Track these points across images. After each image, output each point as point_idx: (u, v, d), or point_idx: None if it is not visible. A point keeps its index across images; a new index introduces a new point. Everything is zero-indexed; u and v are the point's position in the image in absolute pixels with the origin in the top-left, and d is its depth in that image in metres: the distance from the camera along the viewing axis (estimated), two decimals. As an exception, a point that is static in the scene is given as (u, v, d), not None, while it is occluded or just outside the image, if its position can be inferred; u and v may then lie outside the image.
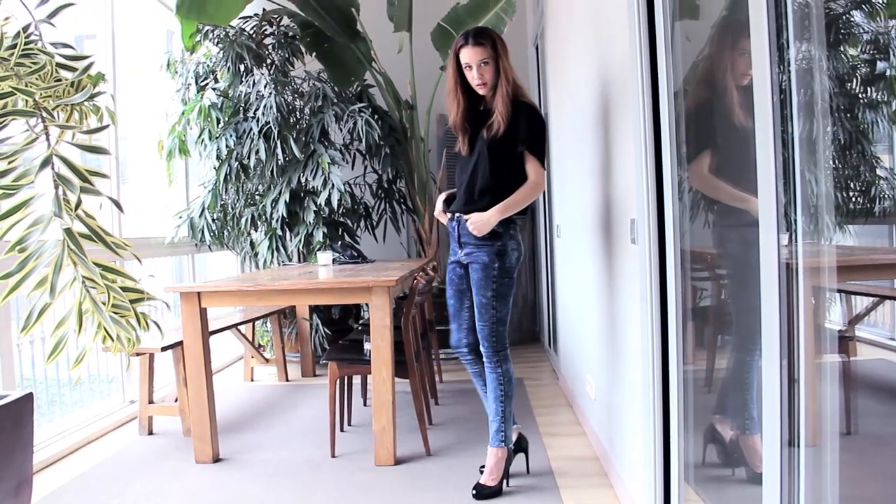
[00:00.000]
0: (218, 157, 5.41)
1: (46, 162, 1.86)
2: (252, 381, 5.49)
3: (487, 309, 2.99)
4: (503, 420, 3.04)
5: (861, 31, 1.74)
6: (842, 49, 1.73)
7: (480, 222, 2.92)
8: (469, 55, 2.89)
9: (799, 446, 1.58)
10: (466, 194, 3.02)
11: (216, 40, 5.50)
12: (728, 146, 2.19)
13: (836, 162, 1.71)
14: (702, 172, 2.26)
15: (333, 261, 4.78)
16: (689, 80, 2.38)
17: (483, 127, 2.97)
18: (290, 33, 5.71)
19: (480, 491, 2.96)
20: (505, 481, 3.03)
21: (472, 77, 2.92)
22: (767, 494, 1.63)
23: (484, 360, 3.07)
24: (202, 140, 5.38)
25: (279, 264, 5.29)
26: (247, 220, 5.51)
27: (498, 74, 2.92)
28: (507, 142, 2.93)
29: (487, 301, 2.98)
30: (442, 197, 3.20)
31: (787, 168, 1.57)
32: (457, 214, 3.04)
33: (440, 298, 5.62)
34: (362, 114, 5.28)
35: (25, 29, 1.97)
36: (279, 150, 5.16)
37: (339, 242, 5.22)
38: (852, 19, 1.76)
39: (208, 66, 5.60)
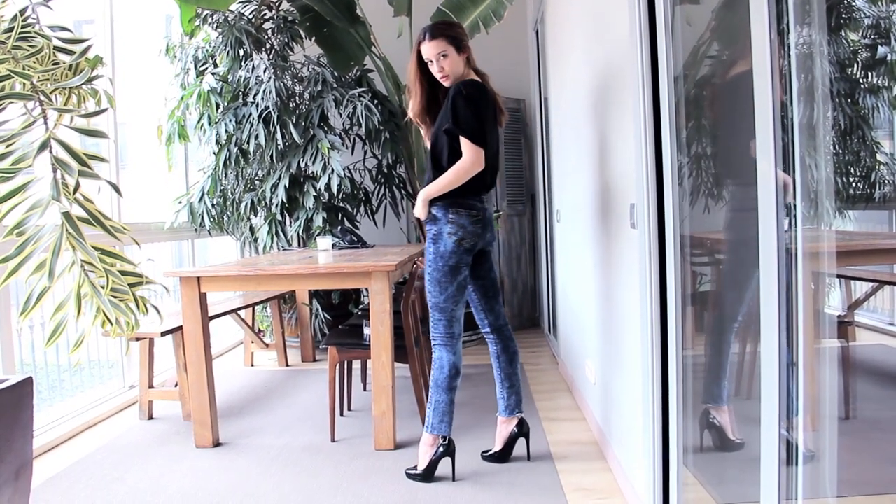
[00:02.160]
0: (217, 142, 5.39)
1: (44, 145, 1.86)
2: (252, 366, 5.51)
3: (426, 291, 3.07)
4: (431, 407, 3.06)
5: (862, 15, 1.73)
6: (843, 34, 1.72)
7: (417, 204, 3.03)
8: (427, 50, 2.96)
9: (797, 431, 1.58)
10: (428, 180, 3.08)
11: (215, 25, 5.47)
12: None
13: (837, 147, 1.71)
14: None
15: (333, 246, 4.78)
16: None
17: None
18: (290, 18, 5.68)
19: (408, 472, 3.08)
20: (435, 468, 3.05)
21: (435, 71, 2.98)
22: (766, 479, 1.63)
23: None
24: (201, 125, 5.36)
25: (279, 249, 5.29)
26: (246, 205, 5.50)
27: (458, 65, 2.98)
28: (441, 125, 2.99)
29: (426, 284, 3.06)
30: None
31: (787, 153, 1.56)
32: None
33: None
34: (362, 98, 5.25)
35: (23, 12, 1.95)
36: (279, 135, 5.14)
37: (339, 227, 5.21)
38: (853, 3, 1.75)
39: (207, 50, 5.57)
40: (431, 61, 2.96)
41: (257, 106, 5.16)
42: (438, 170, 2.99)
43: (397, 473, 3.10)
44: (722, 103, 2.37)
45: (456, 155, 2.94)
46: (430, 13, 5.56)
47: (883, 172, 1.71)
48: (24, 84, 1.89)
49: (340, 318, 5.58)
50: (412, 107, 3.12)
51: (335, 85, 5.40)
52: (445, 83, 2.99)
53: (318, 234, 5.06)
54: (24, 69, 1.89)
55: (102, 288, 1.93)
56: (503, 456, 3.18)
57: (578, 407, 3.98)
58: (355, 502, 2.83)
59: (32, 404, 2.16)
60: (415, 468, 3.06)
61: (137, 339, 3.93)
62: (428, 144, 3.15)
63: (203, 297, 3.50)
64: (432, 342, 3.07)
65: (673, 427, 2.29)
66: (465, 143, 2.90)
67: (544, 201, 5.89)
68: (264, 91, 5.14)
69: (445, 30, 2.97)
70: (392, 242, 6.02)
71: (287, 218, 5.44)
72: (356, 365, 4.67)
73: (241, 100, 5.38)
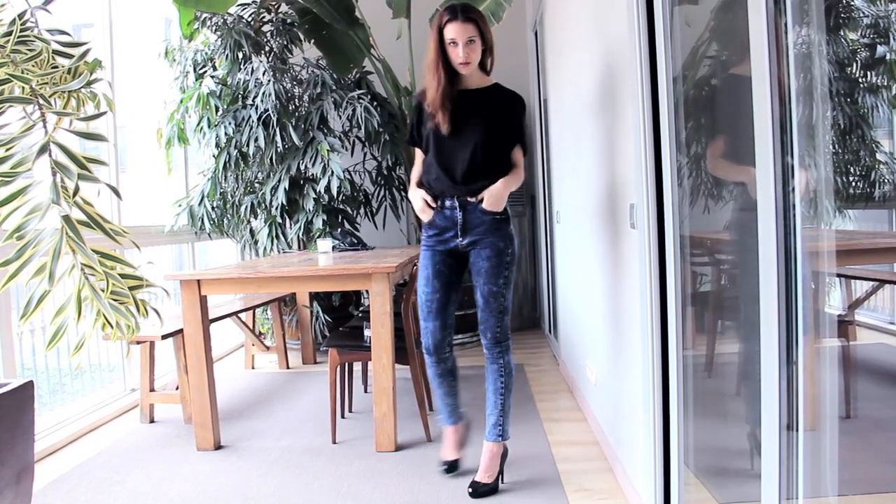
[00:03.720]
0: (217, 145, 5.39)
1: (44, 149, 1.86)
2: (253, 368, 5.50)
3: (497, 298, 2.92)
4: (502, 413, 2.97)
5: (861, 14, 1.73)
6: (841, 33, 1.72)
7: (496, 197, 2.87)
8: (457, 31, 2.75)
9: (798, 430, 1.58)
10: (467, 176, 2.89)
11: (214, 28, 5.47)
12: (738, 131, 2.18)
13: (836, 146, 1.71)
14: (714, 157, 2.26)
15: (333, 248, 4.78)
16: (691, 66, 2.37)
17: (470, 107, 2.89)
18: (289, 20, 5.68)
19: (476, 489, 2.88)
20: (500, 478, 2.96)
21: (457, 54, 2.78)
22: (766, 478, 1.63)
23: (485, 351, 2.99)
24: (201, 128, 5.37)
25: (279, 252, 5.29)
26: (246, 207, 5.50)
27: (482, 54, 2.87)
28: (501, 128, 2.92)
29: (498, 289, 2.92)
30: (420, 192, 3.00)
31: (786, 153, 1.56)
32: (458, 199, 2.92)
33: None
34: (361, 101, 5.26)
35: (21, 16, 1.96)
36: (278, 138, 5.15)
37: (339, 229, 5.21)
38: (852, 3, 1.75)
39: (206, 53, 5.58)
40: (455, 43, 2.76)
41: (256, 108, 5.17)
42: (495, 173, 2.92)
43: (398, 475, 3.10)
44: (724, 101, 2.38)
45: (505, 159, 2.98)
46: (428, 15, 5.55)
47: (882, 172, 1.71)
48: (23, 88, 1.90)
49: (341, 320, 5.58)
50: (432, 94, 2.85)
51: (334, 87, 5.41)
52: (463, 70, 2.82)
53: (319, 237, 5.06)
54: (22, 73, 1.89)
55: (102, 291, 1.93)
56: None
57: (579, 407, 3.98)
58: (357, 504, 2.84)
59: (34, 408, 2.17)
60: (474, 485, 2.90)
61: (138, 343, 3.93)
62: (445, 129, 2.86)
63: (203, 300, 3.50)
64: (503, 347, 2.96)
65: (674, 427, 2.29)
66: (521, 153, 3.00)
67: (544, 202, 5.89)
68: (263, 94, 5.15)
69: (478, 15, 2.80)
70: (392, 244, 6.02)
71: (287, 220, 5.44)
72: (357, 367, 4.67)
73: (240, 102, 5.39)
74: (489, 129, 2.89)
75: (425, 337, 3.01)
